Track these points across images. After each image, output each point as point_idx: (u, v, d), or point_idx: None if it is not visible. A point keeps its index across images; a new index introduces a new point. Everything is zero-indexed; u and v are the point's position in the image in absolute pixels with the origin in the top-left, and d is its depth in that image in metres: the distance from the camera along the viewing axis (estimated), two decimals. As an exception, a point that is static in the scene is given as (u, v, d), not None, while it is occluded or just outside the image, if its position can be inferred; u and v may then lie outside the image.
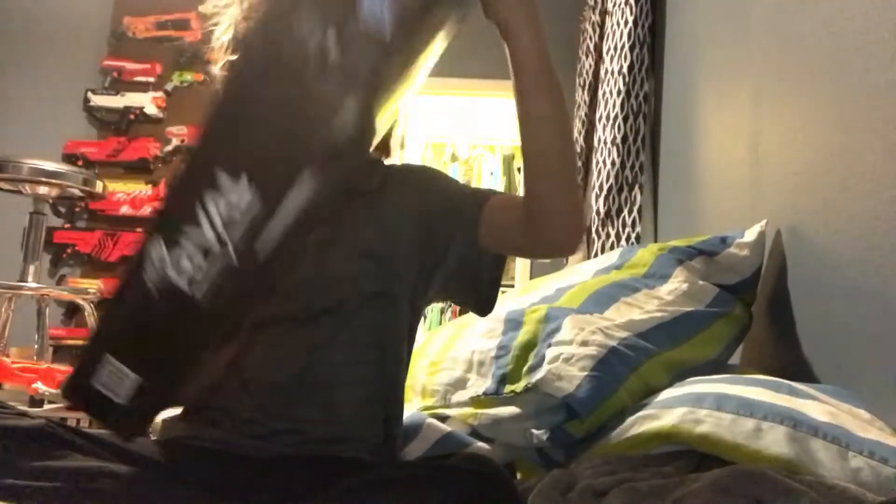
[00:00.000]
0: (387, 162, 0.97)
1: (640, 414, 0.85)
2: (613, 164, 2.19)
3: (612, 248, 2.14)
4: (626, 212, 2.17)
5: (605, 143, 2.26)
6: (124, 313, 0.64)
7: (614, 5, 2.38)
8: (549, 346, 0.97)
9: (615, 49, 2.31)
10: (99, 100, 4.07)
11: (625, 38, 2.24)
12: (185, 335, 0.63)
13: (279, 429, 0.79)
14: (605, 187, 2.21)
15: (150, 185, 3.51)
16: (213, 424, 0.80)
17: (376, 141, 0.83)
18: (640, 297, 1.10)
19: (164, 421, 0.85)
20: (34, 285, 2.40)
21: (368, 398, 0.84)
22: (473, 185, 4.96)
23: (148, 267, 0.60)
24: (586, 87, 2.84)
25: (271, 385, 0.80)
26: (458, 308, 4.52)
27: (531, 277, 3.26)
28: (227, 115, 0.61)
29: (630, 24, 2.23)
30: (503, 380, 0.99)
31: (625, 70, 2.21)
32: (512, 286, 3.88)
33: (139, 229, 3.34)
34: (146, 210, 3.43)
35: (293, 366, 0.81)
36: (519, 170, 4.40)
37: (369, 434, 0.84)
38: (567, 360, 0.93)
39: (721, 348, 1.08)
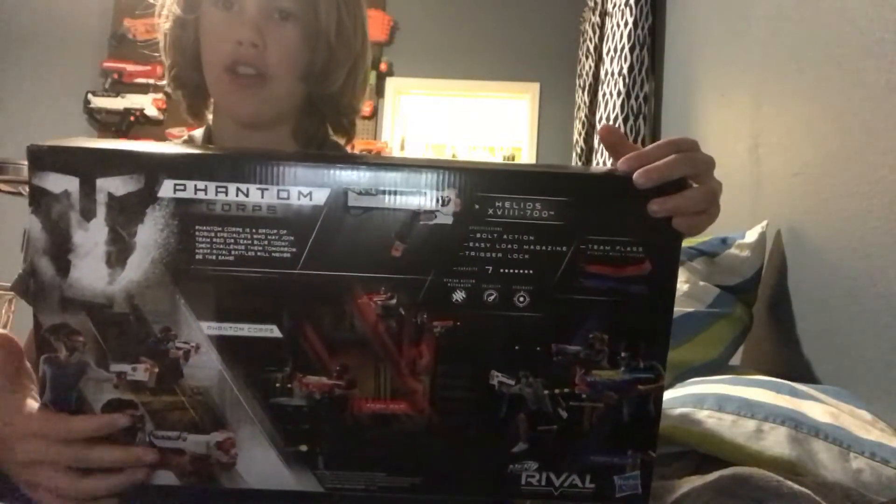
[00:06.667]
0: None
1: (640, 415, 0.85)
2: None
3: (612, 249, 2.14)
4: (626, 213, 2.17)
5: (606, 144, 2.26)
6: None
7: (614, 7, 2.38)
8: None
9: (615, 50, 2.31)
10: (99, 101, 4.08)
11: (625, 39, 2.24)
12: None
13: None
14: (606, 188, 2.21)
15: (150, 187, 3.52)
16: None
17: None
18: (640, 298, 1.09)
19: None
20: (34, 287, 2.40)
21: None
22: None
23: None
24: (586, 88, 2.84)
25: None
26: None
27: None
28: None
29: (630, 25, 2.23)
30: (503, 381, 0.99)
31: (625, 71, 2.22)
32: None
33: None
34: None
35: None
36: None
37: None
38: (567, 360, 0.93)
39: (722, 349, 1.07)
